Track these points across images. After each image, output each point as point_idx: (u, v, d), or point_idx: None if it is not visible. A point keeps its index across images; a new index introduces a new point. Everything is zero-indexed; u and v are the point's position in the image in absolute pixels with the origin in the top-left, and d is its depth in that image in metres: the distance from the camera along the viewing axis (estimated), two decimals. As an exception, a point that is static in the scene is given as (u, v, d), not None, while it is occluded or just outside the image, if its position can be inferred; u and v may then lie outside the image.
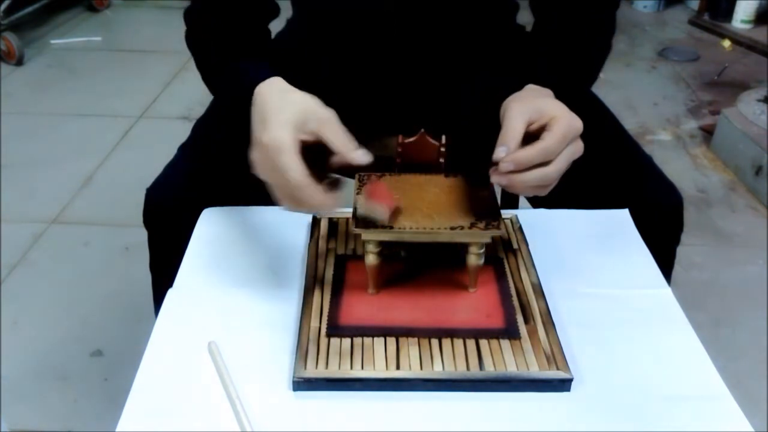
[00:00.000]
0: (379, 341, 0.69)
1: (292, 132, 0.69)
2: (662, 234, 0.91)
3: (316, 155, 0.70)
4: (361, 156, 0.69)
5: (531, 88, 0.80)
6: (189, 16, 0.91)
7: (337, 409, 0.64)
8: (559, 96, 0.78)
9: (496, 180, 0.70)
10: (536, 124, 0.72)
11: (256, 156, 0.71)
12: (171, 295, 0.76)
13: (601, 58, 0.92)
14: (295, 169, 0.67)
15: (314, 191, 0.68)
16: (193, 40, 0.91)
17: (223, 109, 0.87)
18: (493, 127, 0.76)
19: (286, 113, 0.70)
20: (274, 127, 0.69)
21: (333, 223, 0.86)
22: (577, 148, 0.73)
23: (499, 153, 0.69)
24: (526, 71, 0.82)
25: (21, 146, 2.34)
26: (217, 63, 0.86)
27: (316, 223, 0.85)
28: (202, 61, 0.90)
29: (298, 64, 1.07)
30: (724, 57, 3.10)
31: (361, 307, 0.73)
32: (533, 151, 0.69)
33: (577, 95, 0.86)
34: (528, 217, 0.88)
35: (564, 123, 0.71)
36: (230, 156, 0.97)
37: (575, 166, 0.96)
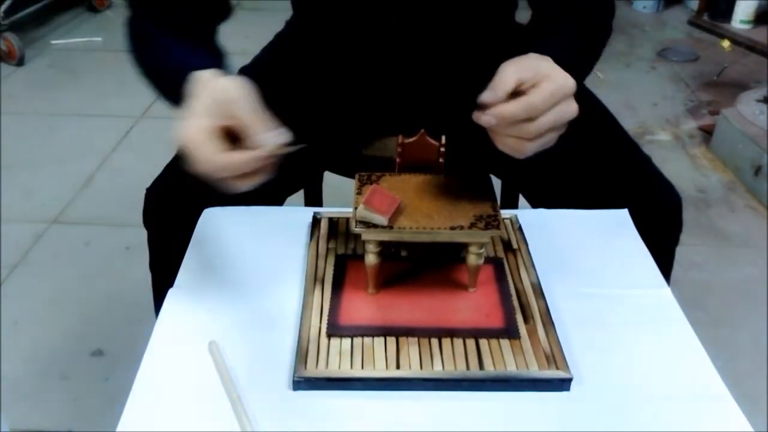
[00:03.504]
0: (379, 341, 0.70)
1: (201, 121, 0.68)
2: (661, 234, 0.91)
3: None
4: (272, 137, 0.67)
5: (531, 55, 0.77)
6: (130, 24, 0.88)
7: (337, 409, 0.64)
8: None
9: (478, 121, 0.70)
10: (529, 83, 0.70)
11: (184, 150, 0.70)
12: (171, 294, 0.76)
13: (600, 43, 0.91)
14: (212, 156, 0.66)
15: (235, 157, 0.67)
16: (137, 47, 0.87)
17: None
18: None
19: (197, 101, 0.69)
20: (187, 120, 0.68)
21: (333, 223, 0.86)
22: (569, 109, 0.71)
23: (485, 96, 0.69)
24: (526, 47, 0.81)
25: (22, 146, 2.34)
26: (158, 61, 0.83)
27: (316, 222, 0.86)
28: (146, 65, 0.86)
29: (299, 65, 1.08)
30: (723, 57, 3.11)
31: (361, 307, 0.74)
32: (518, 106, 0.69)
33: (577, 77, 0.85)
34: (527, 217, 0.88)
35: (554, 81, 0.70)
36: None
37: (574, 166, 0.97)
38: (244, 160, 0.67)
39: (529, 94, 0.69)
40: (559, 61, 0.74)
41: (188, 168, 0.70)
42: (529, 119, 0.69)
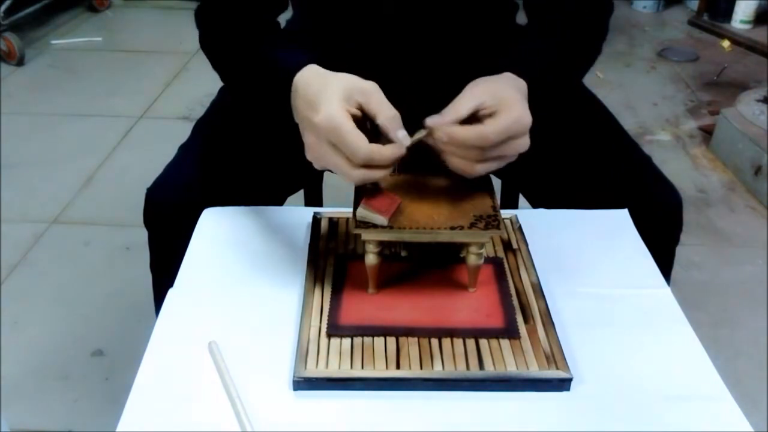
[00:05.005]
0: (379, 341, 0.69)
1: (342, 106, 0.69)
2: (661, 234, 0.91)
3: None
4: (402, 138, 0.69)
5: (506, 76, 0.79)
6: (201, 16, 0.91)
7: (338, 409, 0.64)
8: (536, 88, 0.78)
9: (429, 137, 0.72)
10: (488, 110, 0.72)
11: (310, 140, 0.72)
12: (171, 294, 0.76)
13: (588, 59, 0.92)
14: (356, 139, 0.68)
15: (384, 150, 0.69)
16: (209, 39, 0.90)
17: (256, 99, 0.88)
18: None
19: (330, 89, 0.71)
20: (323, 105, 0.70)
21: (333, 223, 0.86)
22: (521, 142, 0.73)
23: (429, 120, 0.72)
24: (507, 59, 0.82)
25: (22, 146, 2.34)
26: (244, 56, 0.85)
27: (316, 222, 0.86)
28: (223, 59, 0.89)
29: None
30: (723, 57, 3.10)
31: (361, 307, 0.73)
32: (470, 132, 0.71)
33: (556, 90, 0.85)
34: (528, 217, 0.88)
35: (511, 116, 0.71)
36: (231, 156, 0.97)
37: (575, 166, 0.97)
38: (392, 152, 0.69)
39: (484, 123, 0.71)
40: (533, 70, 0.75)
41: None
42: (480, 147, 0.71)
